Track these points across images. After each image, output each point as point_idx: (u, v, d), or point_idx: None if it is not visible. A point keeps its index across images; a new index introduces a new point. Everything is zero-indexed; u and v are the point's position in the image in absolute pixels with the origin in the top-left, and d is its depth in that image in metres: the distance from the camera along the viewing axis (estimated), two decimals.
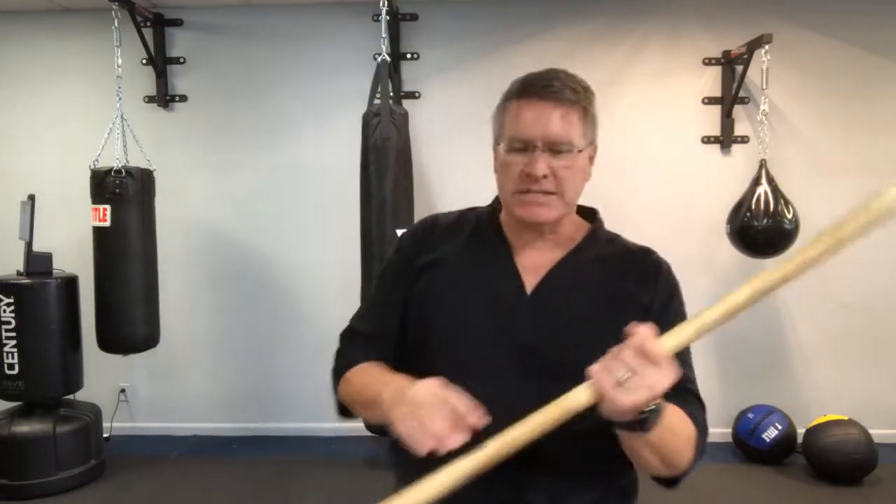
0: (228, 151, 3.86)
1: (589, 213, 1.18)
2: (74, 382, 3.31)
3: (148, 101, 3.82)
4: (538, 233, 1.09)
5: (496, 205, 1.17)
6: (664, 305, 1.06)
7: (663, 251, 1.13)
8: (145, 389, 3.97)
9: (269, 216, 3.87)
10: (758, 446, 3.46)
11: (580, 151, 1.03)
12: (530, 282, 1.07)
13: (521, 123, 1.02)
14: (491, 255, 1.11)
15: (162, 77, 3.81)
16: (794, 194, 3.40)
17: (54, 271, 3.29)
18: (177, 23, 3.82)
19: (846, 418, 3.33)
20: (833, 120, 3.70)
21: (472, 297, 1.07)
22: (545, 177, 1.01)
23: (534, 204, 1.03)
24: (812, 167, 3.69)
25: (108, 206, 3.20)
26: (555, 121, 1.01)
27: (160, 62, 3.79)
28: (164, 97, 3.82)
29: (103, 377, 3.74)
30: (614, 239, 1.15)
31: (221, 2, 3.73)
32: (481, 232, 1.14)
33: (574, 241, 1.11)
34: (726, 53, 3.68)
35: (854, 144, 3.69)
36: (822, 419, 3.38)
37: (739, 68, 3.60)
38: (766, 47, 3.31)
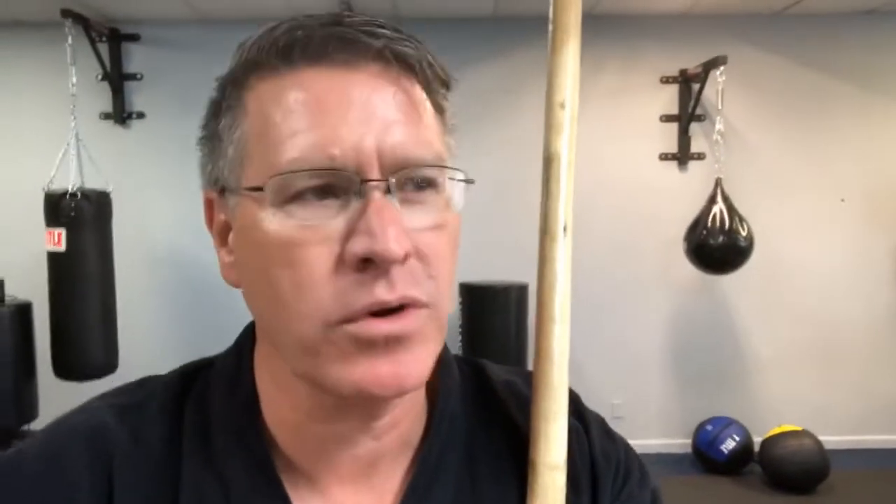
0: (190, 169, 3.77)
1: None
2: (29, 412, 3.20)
3: (104, 118, 3.73)
4: (363, 426, 0.49)
5: (242, 374, 0.54)
6: None
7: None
8: None
9: None
10: (716, 457, 3.55)
11: (460, 184, 0.47)
12: None
13: (319, 117, 0.44)
14: None
15: (119, 93, 3.72)
16: (749, 211, 3.49)
17: (6, 298, 3.19)
18: (133, 38, 3.74)
19: (800, 429, 3.44)
20: (786, 138, 3.81)
21: None
22: (406, 259, 0.43)
23: (391, 353, 0.43)
24: (766, 184, 3.79)
25: (62, 230, 3.10)
26: (394, 110, 0.44)
27: (116, 78, 3.71)
28: (122, 114, 3.74)
29: (59, 406, 3.48)
30: (487, 382, 0.58)
31: (178, 17, 3.66)
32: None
33: (418, 424, 0.53)
34: (683, 72, 3.76)
35: (806, 162, 3.82)
36: (777, 430, 3.49)
37: (696, 87, 3.69)
38: (722, 68, 3.40)
